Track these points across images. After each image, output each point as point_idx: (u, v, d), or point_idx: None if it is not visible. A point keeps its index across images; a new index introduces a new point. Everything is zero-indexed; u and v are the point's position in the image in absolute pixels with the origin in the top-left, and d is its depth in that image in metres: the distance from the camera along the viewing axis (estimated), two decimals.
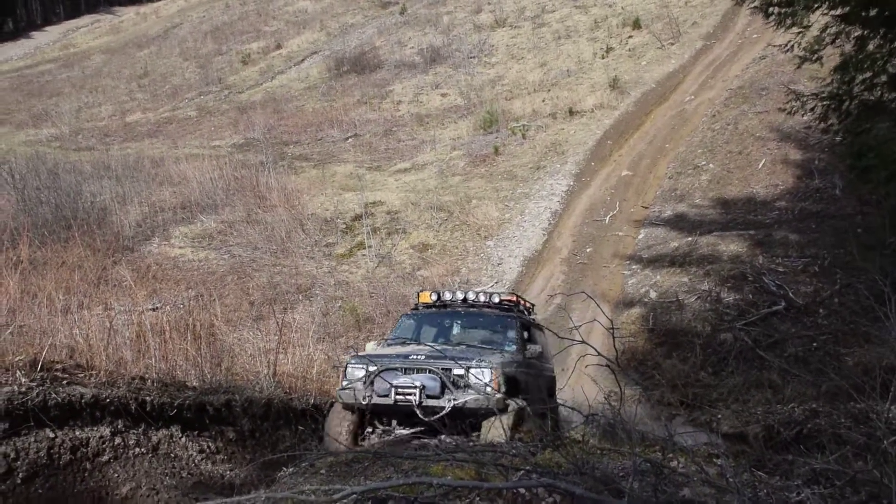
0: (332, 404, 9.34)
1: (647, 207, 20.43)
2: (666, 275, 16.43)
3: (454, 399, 7.90)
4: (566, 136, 26.36)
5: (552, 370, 10.85)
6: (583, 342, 4.83)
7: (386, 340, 10.15)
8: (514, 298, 10.33)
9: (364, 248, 20.18)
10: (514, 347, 9.37)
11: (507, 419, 8.82)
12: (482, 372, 8.05)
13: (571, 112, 27.82)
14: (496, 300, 10.07)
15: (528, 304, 10.97)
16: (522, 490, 4.03)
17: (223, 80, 43.06)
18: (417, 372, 8.23)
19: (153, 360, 8.92)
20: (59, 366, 7.55)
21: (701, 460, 4.71)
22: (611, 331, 6.51)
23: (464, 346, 9.09)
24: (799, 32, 12.14)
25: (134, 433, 7.49)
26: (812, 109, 12.68)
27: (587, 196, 22.09)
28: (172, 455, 7.89)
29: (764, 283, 14.53)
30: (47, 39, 65.33)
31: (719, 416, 11.15)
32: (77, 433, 6.92)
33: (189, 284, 17.65)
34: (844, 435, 9.25)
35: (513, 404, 9.09)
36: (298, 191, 23.69)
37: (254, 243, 20.52)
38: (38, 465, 6.41)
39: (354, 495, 3.92)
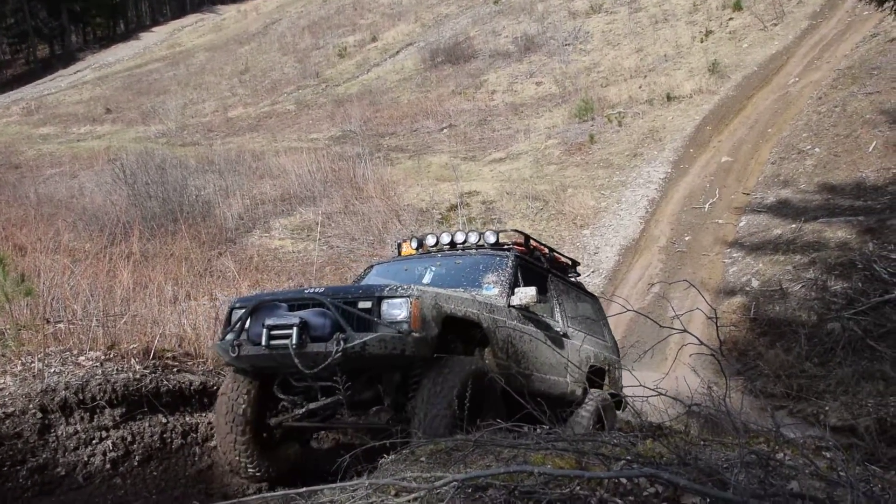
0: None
1: (748, 194, 19.86)
2: (768, 263, 15.95)
3: (346, 339, 5.56)
4: (663, 122, 25.86)
5: (602, 346, 9.05)
6: (684, 331, 4.75)
7: None
8: (521, 239, 8.06)
9: None
10: (495, 291, 7.06)
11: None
12: (396, 303, 5.76)
13: (669, 98, 27.27)
14: (491, 240, 7.83)
15: (547, 251, 8.55)
16: (624, 480, 4.01)
17: (320, 73, 43.90)
18: (303, 307, 5.94)
19: None
20: (169, 354, 7.87)
21: (809, 453, 4.59)
22: (712, 319, 5.69)
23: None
24: None
25: None
26: None
27: (685, 183, 21.62)
28: None
29: (875, 270, 13.92)
30: (155, 39, 67.98)
31: (827, 408, 10.79)
32: (187, 419, 7.21)
33: (289, 275, 18.08)
34: None
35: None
36: (394, 182, 23.97)
37: (351, 234, 20.87)
38: (153, 449, 6.70)
39: (455, 483, 3.97)
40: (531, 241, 8.18)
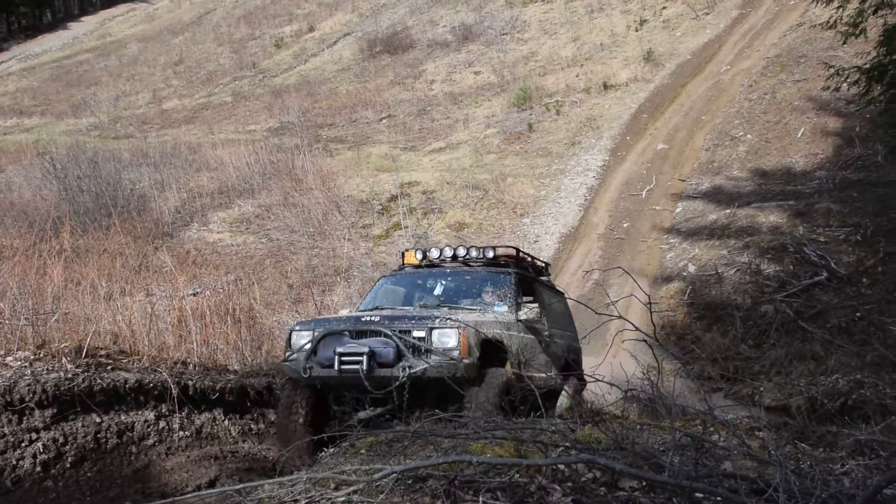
0: (284, 383, 7.98)
1: (684, 181, 20.20)
2: (704, 248, 16.26)
3: (410, 367, 6.58)
4: (601, 110, 26.12)
5: (571, 337, 9.94)
6: (620, 317, 4.80)
7: (357, 307, 8.94)
8: (514, 253, 9.05)
9: (400, 229, 20.22)
10: (505, 308, 8.03)
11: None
12: (447, 333, 6.75)
13: (606, 86, 27.55)
14: (490, 255, 8.76)
15: (530, 260, 9.66)
16: (562, 466, 4.04)
17: (257, 64, 43.27)
18: (367, 335, 6.92)
19: (194, 344, 9.03)
20: (103, 352, 7.67)
21: (742, 433, 4.68)
22: (648, 305, 5.98)
23: (446, 310, 7.67)
24: (839, 6, 12.13)
25: (177, 417, 7.62)
26: (856, 82, 12.58)
27: (623, 171, 21.89)
28: (215, 438, 8.03)
29: (805, 253, 14.31)
30: (84, 29, 66.10)
31: (761, 388, 11.05)
32: (122, 417, 7.04)
33: (228, 269, 17.82)
34: (889, 405, 9.15)
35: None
36: (334, 173, 23.77)
37: (291, 226, 20.65)
38: (86, 450, 6.53)
39: (395, 474, 3.96)
40: (520, 254, 9.15)
